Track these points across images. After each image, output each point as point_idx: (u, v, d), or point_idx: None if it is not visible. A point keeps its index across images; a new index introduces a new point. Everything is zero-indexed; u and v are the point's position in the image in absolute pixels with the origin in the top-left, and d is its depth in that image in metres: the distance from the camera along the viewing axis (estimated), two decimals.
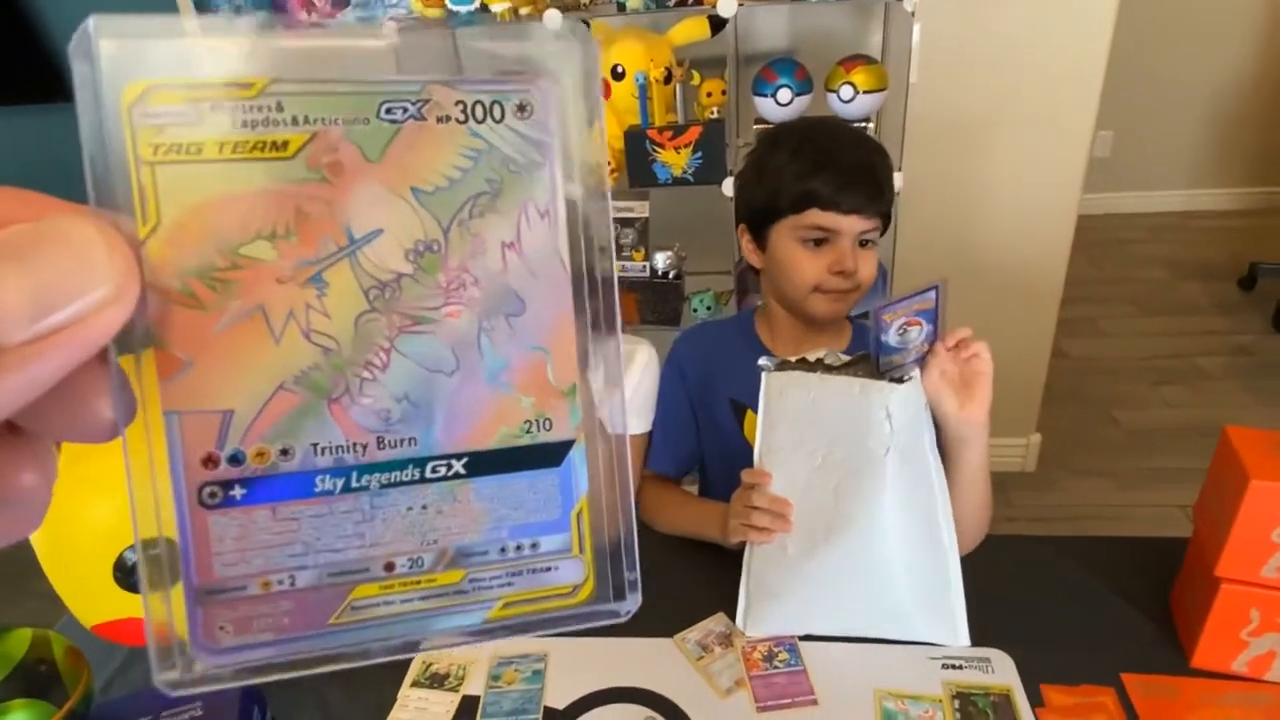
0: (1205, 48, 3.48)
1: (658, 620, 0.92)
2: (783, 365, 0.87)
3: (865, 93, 1.53)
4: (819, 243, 0.99)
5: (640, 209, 1.73)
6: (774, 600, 0.88)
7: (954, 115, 1.84)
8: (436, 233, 0.25)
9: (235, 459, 0.24)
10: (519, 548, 0.27)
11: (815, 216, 0.98)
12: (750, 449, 0.91)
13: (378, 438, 0.25)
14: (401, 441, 0.25)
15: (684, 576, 0.99)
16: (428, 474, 0.26)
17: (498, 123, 0.25)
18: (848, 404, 0.83)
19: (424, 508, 0.26)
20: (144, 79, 0.22)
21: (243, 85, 0.23)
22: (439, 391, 0.25)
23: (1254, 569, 0.75)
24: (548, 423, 0.27)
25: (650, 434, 1.12)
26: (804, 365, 0.88)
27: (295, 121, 0.23)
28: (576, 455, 0.27)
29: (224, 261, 0.23)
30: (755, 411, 0.89)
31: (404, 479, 0.26)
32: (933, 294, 0.83)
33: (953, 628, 0.86)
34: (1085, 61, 1.79)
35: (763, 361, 0.87)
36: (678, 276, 1.76)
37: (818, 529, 0.85)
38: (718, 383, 1.09)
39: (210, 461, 0.24)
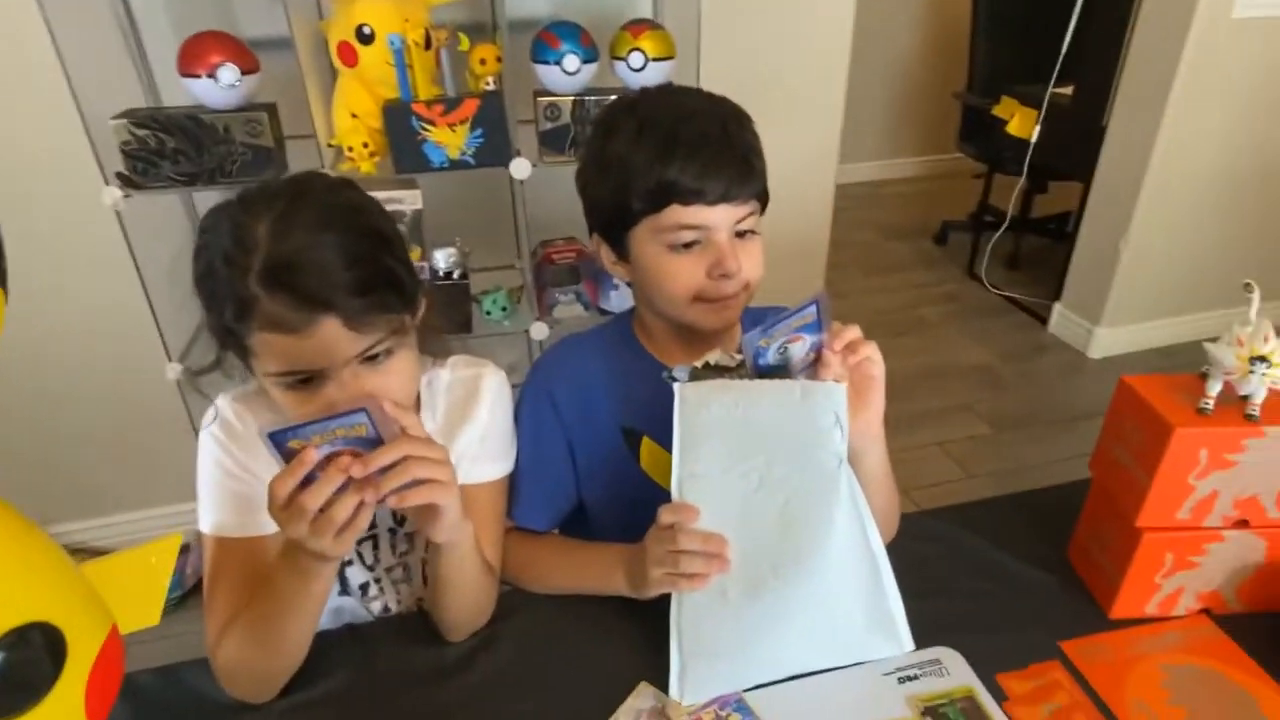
0: (877, 34, 3.93)
1: (567, 709, 0.73)
2: (695, 374, 0.72)
3: (655, 60, 1.42)
4: (689, 244, 0.81)
5: (411, 199, 1.46)
6: (715, 658, 0.73)
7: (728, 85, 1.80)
8: None
9: None
10: None
11: (677, 214, 0.79)
12: (651, 484, 0.74)
13: None
14: None
15: (583, 646, 0.80)
16: None
17: None
18: (788, 411, 0.70)
19: None
20: None
21: None
22: None
23: (1170, 514, 0.76)
24: None
25: (511, 479, 0.89)
26: (709, 371, 0.74)
27: None
28: None
29: None
30: (654, 438, 0.72)
31: None
32: (813, 309, 0.71)
33: (896, 636, 0.78)
34: (834, 41, 1.87)
35: (675, 370, 0.71)
36: (463, 276, 1.52)
37: (763, 564, 0.71)
38: (601, 409, 0.89)
39: None
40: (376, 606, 0.87)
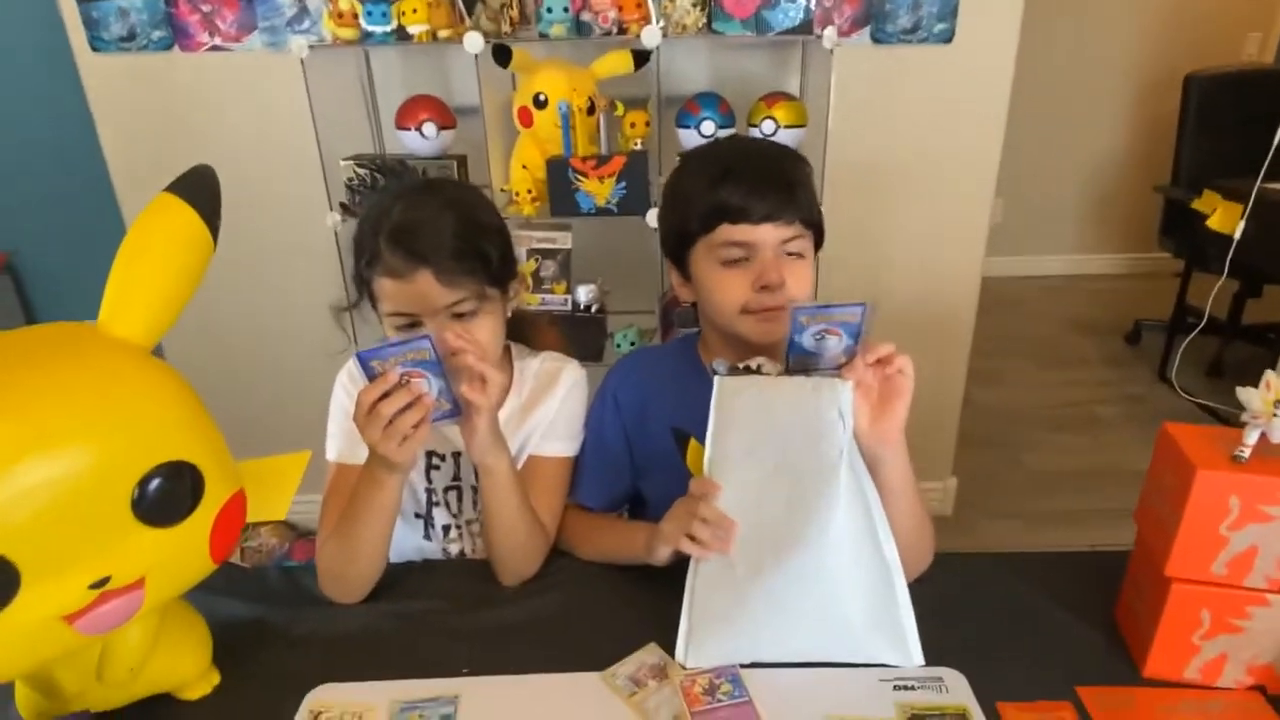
0: (1082, 126, 3.80)
1: (583, 654, 0.83)
2: (735, 370, 0.82)
3: (786, 127, 1.55)
4: (739, 261, 0.91)
5: (562, 240, 1.68)
6: (720, 626, 0.80)
7: (869, 163, 1.89)
8: None
9: None
10: None
11: (727, 231, 0.89)
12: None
13: None
14: None
15: (611, 605, 0.90)
16: None
17: None
18: (801, 404, 0.78)
19: None
20: None
21: None
22: None
23: (1204, 566, 0.73)
24: None
25: (576, 461, 1.03)
26: (749, 371, 0.83)
27: None
28: None
29: None
30: (699, 440, 0.82)
31: None
32: (859, 310, 0.78)
33: (904, 647, 0.80)
34: (987, 125, 1.89)
35: (716, 364, 0.82)
36: (600, 311, 1.71)
37: (765, 547, 0.78)
38: (657, 411, 1.01)
39: None
40: (454, 549, 1.03)
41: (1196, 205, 2.74)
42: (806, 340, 0.79)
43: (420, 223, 0.86)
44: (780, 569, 0.78)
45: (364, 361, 0.77)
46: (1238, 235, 2.53)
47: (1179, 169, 3.04)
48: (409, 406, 0.77)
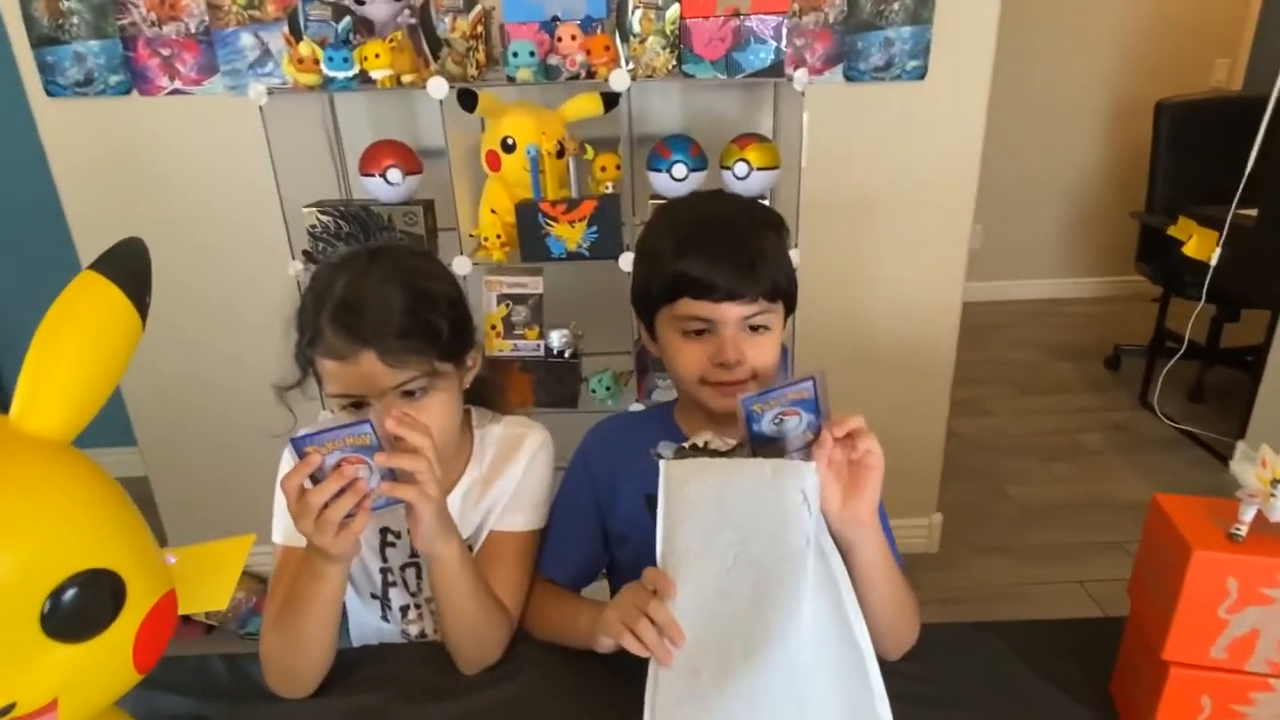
0: (1058, 151, 3.82)
1: None
2: (681, 452, 0.77)
3: (759, 169, 1.52)
4: (700, 331, 0.87)
5: (533, 285, 1.64)
6: None
7: (845, 199, 1.87)
8: None
9: None
10: None
11: (688, 306, 0.86)
12: None
13: None
14: None
15: (579, 691, 0.84)
16: None
17: None
18: (760, 490, 0.72)
19: None
20: None
21: None
22: None
23: (1203, 650, 0.69)
24: None
25: (544, 533, 0.97)
26: (696, 451, 0.78)
27: None
28: None
29: None
30: None
31: None
32: (809, 385, 0.74)
33: None
34: (961, 160, 1.87)
35: (661, 447, 0.77)
36: (574, 356, 1.66)
37: (734, 645, 0.72)
38: (629, 478, 0.95)
39: None
40: (414, 630, 0.97)
41: (1172, 232, 2.75)
42: (766, 427, 0.75)
43: (363, 299, 0.81)
44: (752, 669, 0.71)
45: (298, 448, 0.71)
46: (1214, 262, 2.53)
47: (1153, 195, 3.06)
48: (342, 493, 0.71)
